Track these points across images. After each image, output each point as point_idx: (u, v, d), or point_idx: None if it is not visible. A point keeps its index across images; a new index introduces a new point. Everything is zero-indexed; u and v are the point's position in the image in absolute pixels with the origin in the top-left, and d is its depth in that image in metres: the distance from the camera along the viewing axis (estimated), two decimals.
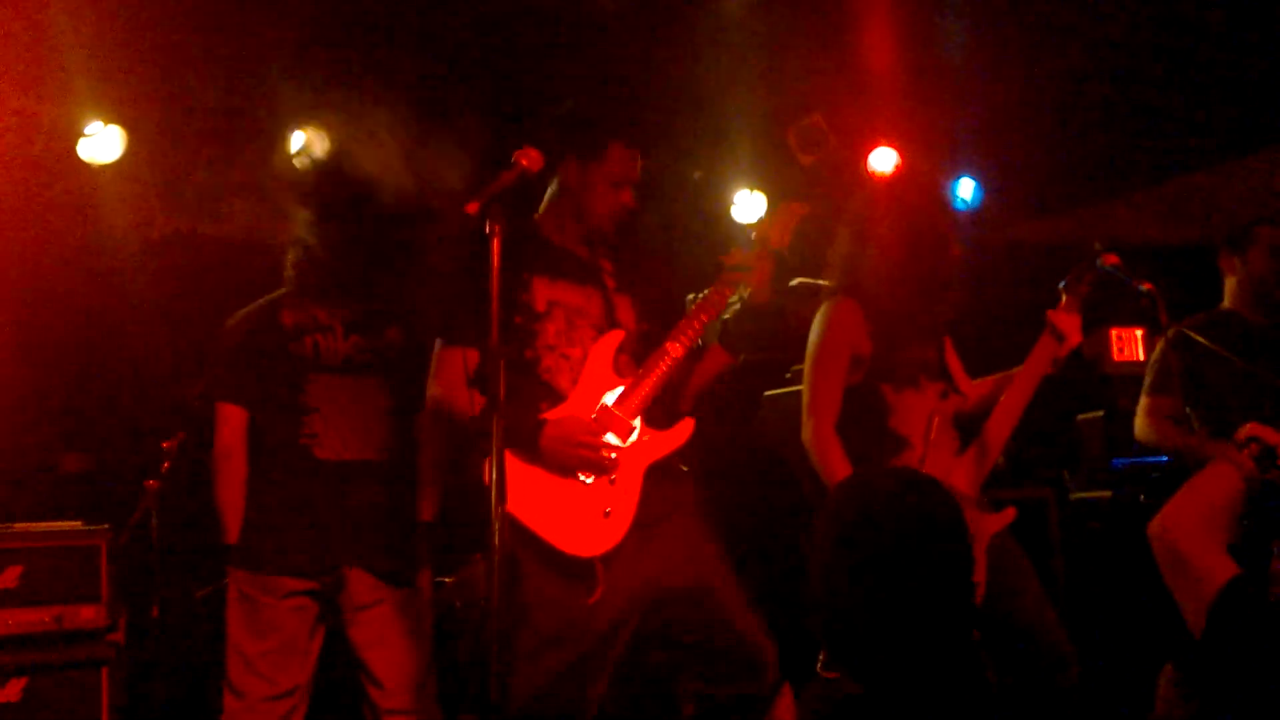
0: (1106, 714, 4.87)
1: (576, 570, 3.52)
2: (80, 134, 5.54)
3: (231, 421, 4.17)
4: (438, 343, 3.72)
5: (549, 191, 3.84)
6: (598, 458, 3.54)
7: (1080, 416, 6.74)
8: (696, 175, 6.81)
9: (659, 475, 3.65)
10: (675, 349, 3.65)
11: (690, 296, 4.30)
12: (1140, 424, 4.80)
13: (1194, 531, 2.46)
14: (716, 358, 3.84)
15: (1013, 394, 4.01)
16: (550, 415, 3.58)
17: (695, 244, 6.77)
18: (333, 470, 4.11)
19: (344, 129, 4.42)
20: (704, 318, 3.68)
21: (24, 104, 5.37)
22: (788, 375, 5.40)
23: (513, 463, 3.53)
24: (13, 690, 4.36)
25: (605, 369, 3.68)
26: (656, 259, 4.25)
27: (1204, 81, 5.83)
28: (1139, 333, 7.28)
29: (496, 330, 3.10)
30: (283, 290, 4.32)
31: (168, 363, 6.14)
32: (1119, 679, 4.87)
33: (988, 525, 3.93)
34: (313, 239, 4.31)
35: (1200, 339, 4.52)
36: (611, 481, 3.58)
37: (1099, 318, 7.08)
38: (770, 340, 3.87)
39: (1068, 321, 4.02)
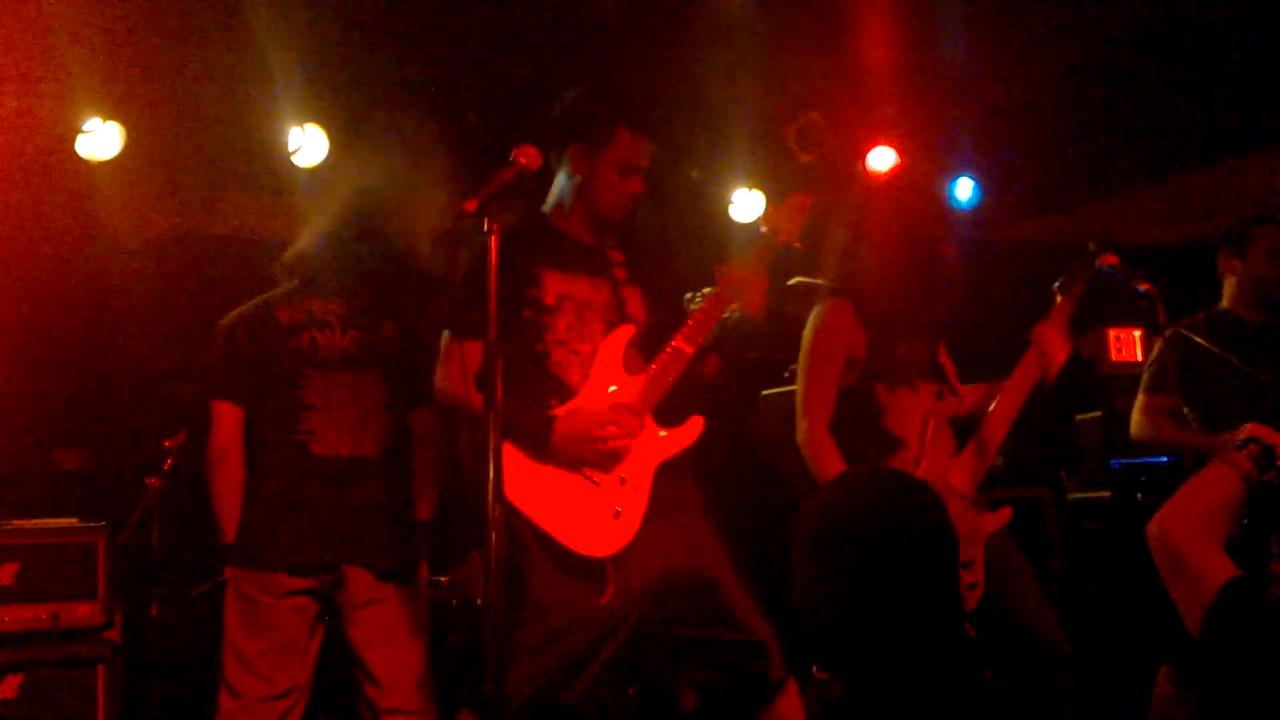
0: (1105, 714, 4.87)
1: (587, 569, 3.52)
2: (78, 130, 5.53)
3: (227, 420, 4.16)
4: (445, 336, 3.71)
5: (557, 182, 3.83)
6: (611, 448, 3.54)
7: (1078, 417, 6.75)
8: (694, 174, 6.80)
9: (664, 471, 3.65)
10: (687, 347, 3.64)
11: (688, 296, 4.28)
12: (1137, 422, 4.80)
13: (1192, 531, 2.45)
14: (712, 360, 3.84)
15: (1002, 405, 4.01)
16: (561, 411, 3.58)
17: (693, 243, 6.76)
18: (330, 467, 4.10)
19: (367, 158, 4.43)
20: (717, 314, 3.67)
21: (22, 100, 5.37)
22: (785, 375, 5.40)
23: (524, 461, 3.53)
24: (9, 687, 4.36)
25: (615, 364, 3.68)
26: (662, 251, 4.25)
27: (1204, 81, 5.82)
28: (1137, 333, 7.29)
29: (494, 327, 3.09)
30: (278, 288, 4.31)
31: (165, 360, 6.14)
32: (1117, 679, 4.87)
33: (985, 525, 3.93)
34: (311, 236, 4.31)
35: (1198, 339, 4.52)
36: (622, 481, 3.58)
37: (1097, 318, 7.09)
38: (768, 340, 3.86)
39: (1053, 339, 4.02)
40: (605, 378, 3.66)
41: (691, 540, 3.68)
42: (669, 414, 3.69)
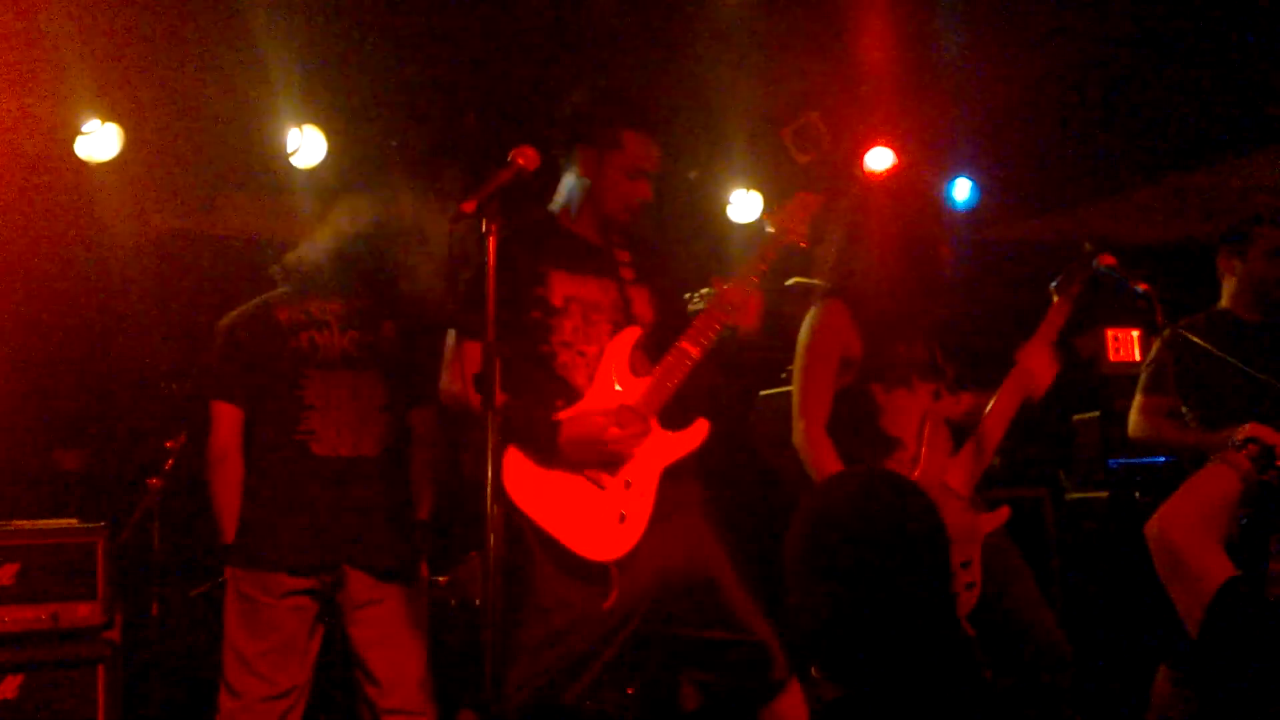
0: (1104, 714, 4.87)
1: (590, 573, 3.52)
2: (77, 132, 5.53)
3: (227, 421, 4.16)
4: (450, 337, 3.72)
5: (565, 182, 3.83)
6: (616, 451, 3.54)
7: (1076, 417, 6.75)
8: (692, 174, 6.80)
9: (668, 474, 3.65)
10: (693, 350, 3.64)
11: (687, 296, 4.28)
12: (1135, 421, 4.80)
13: (1191, 531, 2.45)
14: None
15: (993, 416, 4.01)
16: (566, 413, 3.58)
17: (691, 243, 6.76)
18: (330, 467, 4.10)
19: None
20: (723, 317, 3.67)
21: (21, 102, 5.36)
22: (783, 375, 5.40)
23: (529, 464, 3.54)
24: (9, 687, 4.35)
25: (621, 366, 3.68)
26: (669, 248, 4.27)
27: (1204, 81, 5.82)
28: (1135, 333, 7.29)
29: (492, 327, 3.10)
30: (278, 289, 4.32)
31: (164, 360, 6.14)
32: (1116, 679, 4.87)
33: (983, 525, 3.93)
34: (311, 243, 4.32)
35: (1197, 339, 4.52)
36: (627, 485, 3.58)
37: (1095, 318, 7.09)
38: (766, 340, 3.86)
39: (1039, 362, 4.02)
40: (611, 379, 3.66)
41: (693, 541, 3.68)
42: (674, 415, 3.69)
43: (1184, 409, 4.70)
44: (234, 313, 4.28)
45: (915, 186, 4.33)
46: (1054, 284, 4.17)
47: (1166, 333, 4.67)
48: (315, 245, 4.30)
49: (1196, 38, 5.52)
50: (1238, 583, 2.40)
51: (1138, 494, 5.98)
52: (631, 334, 3.71)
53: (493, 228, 3.11)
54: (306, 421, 4.11)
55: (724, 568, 3.69)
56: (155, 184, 5.93)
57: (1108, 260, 4.10)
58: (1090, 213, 7.39)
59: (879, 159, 6.41)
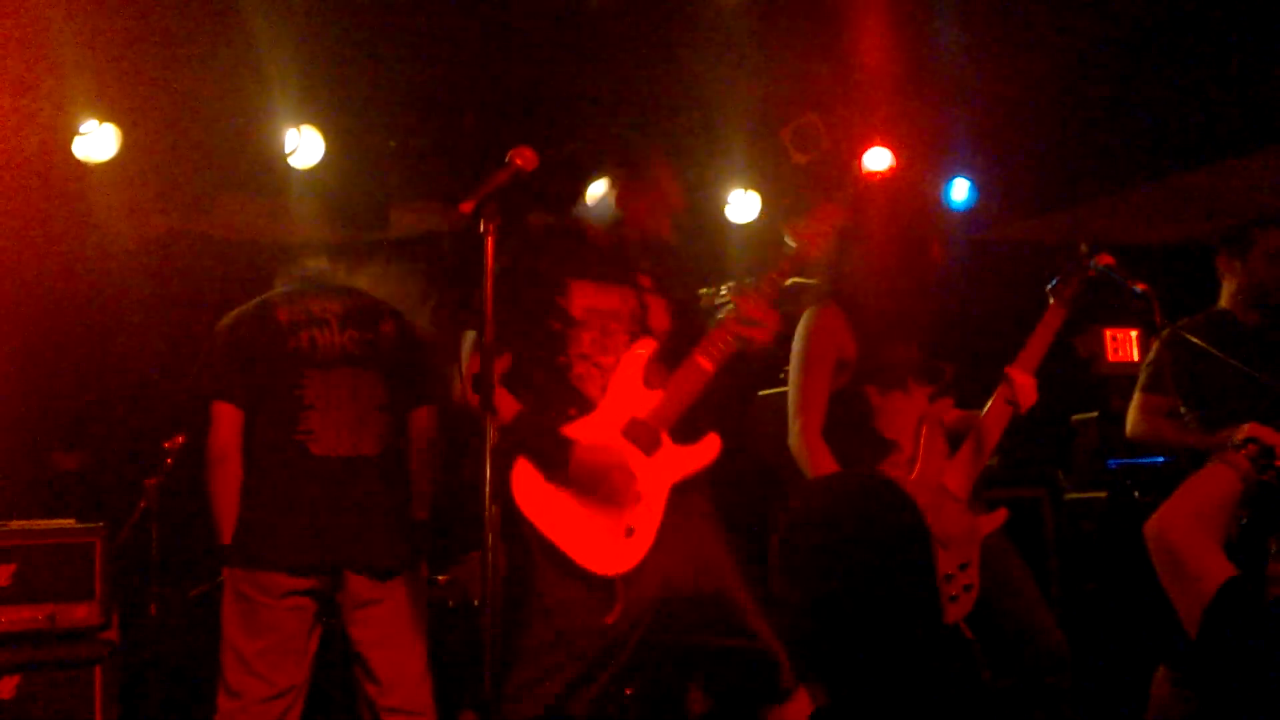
0: (1103, 714, 4.87)
1: (595, 584, 3.53)
2: (75, 132, 5.52)
3: (227, 421, 4.15)
4: (467, 340, 3.73)
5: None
6: (623, 495, 3.56)
7: (1075, 417, 6.75)
8: (690, 174, 6.79)
9: (678, 487, 3.66)
10: (707, 363, 3.65)
11: (702, 291, 4.33)
12: (1134, 420, 4.80)
13: (1190, 531, 2.44)
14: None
15: (989, 420, 4.01)
16: (579, 424, 3.60)
17: (689, 243, 6.75)
18: (329, 467, 4.10)
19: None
20: (738, 330, 3.67)
21: (19, 102, 5.36)
22: (780, 375, 5.40)
23: (538, 476, 3.56)
24: (6, 688, 4.35)
25: (636, 379, 3.70)
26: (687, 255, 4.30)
27: (1204, 81, 5.82)
28: (1134, 333, 7.29)
29: (491, 327, 3.10)
30: (277, 288, 4.31)
31: (162, 361, 6.13)
32: (1115, 679, 4.87)
33: (981, 526, 3.93)
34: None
35: (1196, 340, 4.52)
36: (636, 500, 3.59)
37: (1093, 318, 7.09)
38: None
39: (1024, 387, 4.01)
40: (625, 391, 3.68)
41: (700, 551, 3.70)
42: (685, 426, 3.70)
43: (1183, 409, 4.70)
44: (234, 312, 4.27)
45: (910, 188, 4.34)
46: (1050, 287, 4.17)
47: (1166, 333, 4.66)
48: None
49: (1196, 38, 5.51)
50: (1237, 583, 2.39)
51: (1136, 494, 5.98)
52: (646, 346, 3.74)
53: (490, 228, 3.11)
54: (306, 421, 4.11)
55: (733, 577, 3.70)
56: (153, 184, 5.92)
57: (1106, 260, 4.09)
58: (1090, 213, 7.38)
59: (877, 159, 6.40)
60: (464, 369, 3.67)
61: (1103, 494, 6.24)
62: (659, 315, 3.84)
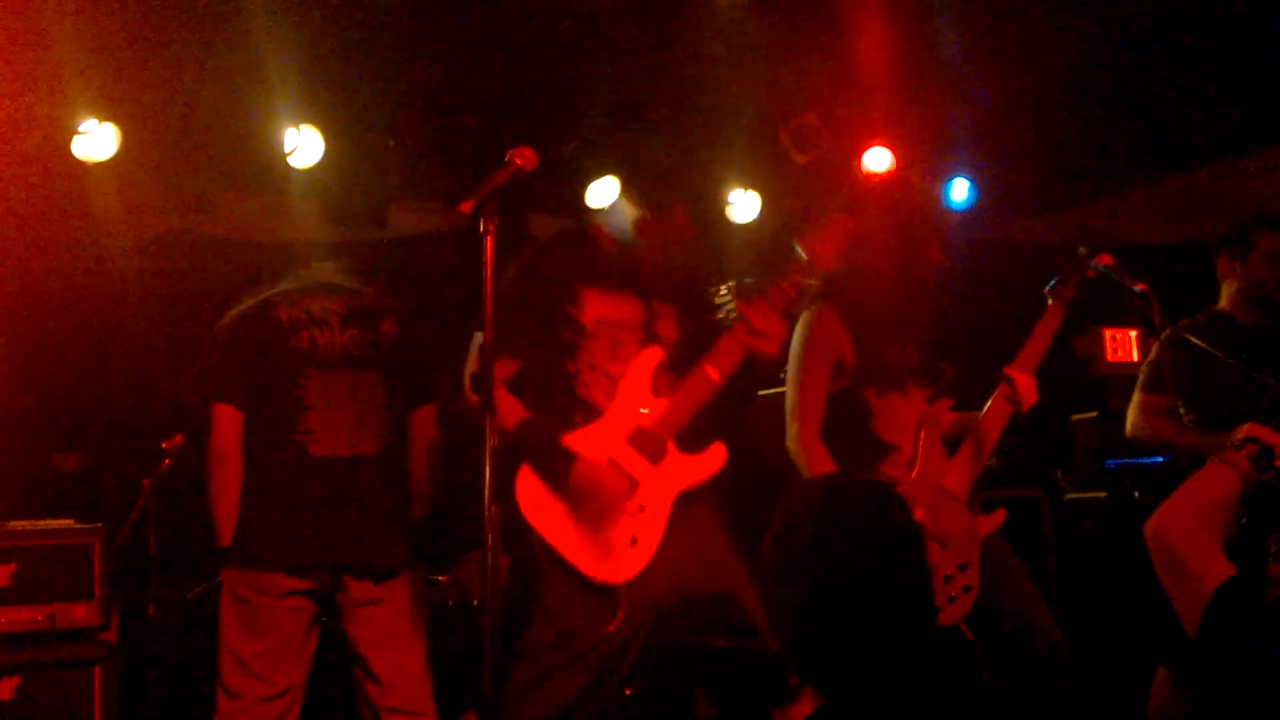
0: (1103, 714, 4.87)
1: (598, 591, 3.53)
2: (74, 132, 5.51)
3: (227, 422, 4.15)
4: (475, 340, 3.74)
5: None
6: (625, 505, 3.59)
7: (1074, 417, 6.73)
8: (690, 174, 6.78)
9: (683, 496, 3.67)
10: (714, 374, 3.65)
11: (714, 290, 4.35)
12: (1133, 420, 4.81)
13: (1190, 531, 2.44)
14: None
15: (988, 421, 4.01)
16: (585, 432, 3.62)
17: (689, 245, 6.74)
18: (329, 467, 4.10)
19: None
20: (746, 340, 3.68)
21: (18, 101, 5.35)
22: (780, 375, 5.40)
23: (542, 485, 3.56)
24: (5, 688, 4.34)
25: (643, 387, 3.71)
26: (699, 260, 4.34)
27: (1204, 81, 5.82)
28: (1133, 333, 7.27)
29: (490, 327, 3.10)
30: (277, 288, 4.31)
31: (162, 361, 6.12)
32: (1115, 679, 4.86)
33: (980, 527, 3.93)
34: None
35: (1195, 340, 4.52)
36: (640, 509, 3.59)
37: (1093, 318, 7.08)
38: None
39: (1024, 386, 4.01)
40: (631, 400, 3.69)
41: (707, 556, 3.71)
42: (691, 434, 3.70)
43: (1182, 409, 4.70)
44: (234, 312, 4.27)
45: (908, 190, 4.33)
46: (1049, 287, 4.17)
47: (1165, 333, 4.67)
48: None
49: (1196, 38, 5.51)
50: (1236, 583, 2.39)
51: (1136, 494, 5.97)
52: (654, 354, 3.75)
53: (490, 228, 3.12)
54: (305, 422, 4.11)
55: (740, 579, 3.70)
56: (152, 184, 5.91)
57: (1105, 260, 4.10)
58: (1089, 213, 7.38)
59: (877, 159, 6.40)
60: (465, 369, 3.68)
61: (1102, 494, 6.23)
62: (667, 324, 3.86)
